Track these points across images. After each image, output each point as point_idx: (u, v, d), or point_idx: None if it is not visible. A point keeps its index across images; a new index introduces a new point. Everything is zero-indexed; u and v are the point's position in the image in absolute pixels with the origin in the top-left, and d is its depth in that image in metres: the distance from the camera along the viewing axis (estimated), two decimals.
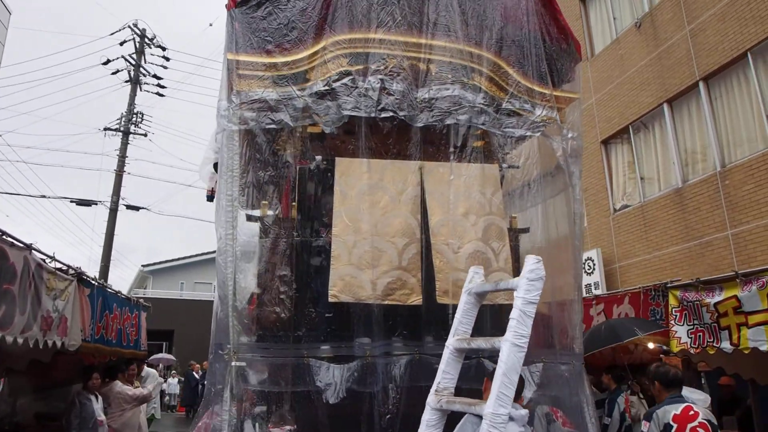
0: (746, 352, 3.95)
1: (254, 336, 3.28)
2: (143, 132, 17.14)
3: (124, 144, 16.51)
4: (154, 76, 17.65)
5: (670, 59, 9.19)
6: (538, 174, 3.99)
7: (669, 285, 5.00)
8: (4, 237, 3.31)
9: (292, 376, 3.07)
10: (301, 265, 3.49)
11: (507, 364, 2.12)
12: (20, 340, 3.42)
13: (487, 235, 3.54)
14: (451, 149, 3.70)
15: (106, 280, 14.69)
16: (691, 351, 4.50)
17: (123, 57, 16.95)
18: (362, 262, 3.31)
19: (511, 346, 2.14)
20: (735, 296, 4.03)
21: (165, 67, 17.86)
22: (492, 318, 3.37)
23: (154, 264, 26.39)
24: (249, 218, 3.57)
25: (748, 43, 7.78)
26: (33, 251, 3.64)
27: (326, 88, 3.44)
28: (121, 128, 16.67)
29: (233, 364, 2.96)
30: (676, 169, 9.02)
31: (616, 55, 10.56)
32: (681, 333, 4.58)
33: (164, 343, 21.24)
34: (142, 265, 26.38)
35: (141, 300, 7.54)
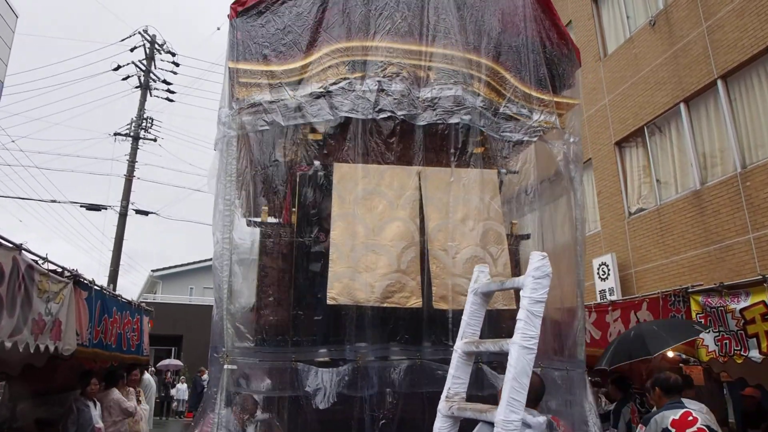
0: None
1: (249, 340, 3.37)
2: (153, 137, 17.53)
3: (134, 149, 16.90)
4: (164, 81, 18.05)
5: (686, 57, 9.15)
6: (539, 180, 4.05)
7: (690, 290, 4.90)
8: None
9: (288, 381, 3.16)
10: (299, 270, 3.60)
11: (516, 367, 2.06)
12: (8, 344, 3.32)
13: (485, 240, 3.62)
14: (451, 152, 3.76)
15: (115, 285, 15.08)
16: (720, 360, 4.31)
17: (133, 63, 17.42)
18: (360, 266, 3.41)
19: (519, 349, 2.08)
20: (763, 302, 3.89)
21: (175, 73, 18.27)
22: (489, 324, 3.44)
23: (164, 269, 26.87)
24: (249, 223, 3.70)
25: None
26: (23, 251, 3.54)
27: (321, 90, 3.56)
28: (131, 133, 17.07)
29: (226, 367, 3.06)
30: (693, 171, 8.96)
31: (629, 55, 10.53)
32: (708, 341, 4.41)
33: (173, 349, 21.58)
34: (152, 271, 26.90)
35: (143, 304, 7.49)
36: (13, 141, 34.05)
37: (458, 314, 3.42)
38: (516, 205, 4.10)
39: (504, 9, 3.78)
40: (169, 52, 18.00)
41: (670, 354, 4.97)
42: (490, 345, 2.39)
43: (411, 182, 3.69)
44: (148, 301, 19.33)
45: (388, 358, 3.35)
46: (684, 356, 5.08)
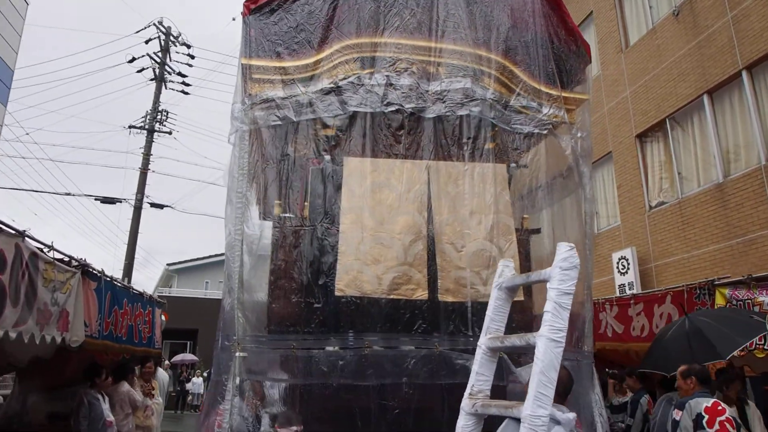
0: None
1: (260, 329, 3.54)
2: (168, 130, 17.89)
3: (149, 142, 17.28)
4: (179, 73, 18.40)
5: (710, 48, 9.08)
6: (551, 176, 4.15)
7: (716, 282, 4.90)
8: None
9: (300, 369, 3.34)
10: (309, 261, 3.77)
11: (544, 361, 2.02)
12: (13, 334, 3.23)
13: (492, 233, 3.75)
14: (464, 141, 3.88)
15: (130, 278, 15.51)
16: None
17: (148, 55, 17.77)
18: (368, 258, 3.57)
19: (547, 342, 2.04)
20: None
21: (190, 65, 18.61)
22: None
23: (179, 263, 27.43)
24: (261, 216, 3.89)
25: None
26: (26, 239, 3.45)
27: (332, 85, 3.73)
28: (146, 126, 17.45)
29: (237, 354, 3.23)
30: (716, 164, 8.92)
31: (652, 45, 10.47)
32: None
33: (188, 342, 22.07)
34: (167, 264, 27.47)
35: (155, 296, 7.44)
36: (27, 133, 35.01)
37: (459, 306, 3.58)
38: (528, 200, 4.21)
39: (513, 5, 3.89)
40: (184, 44, 18.34)
41: None
42: (516, 340, 2.34)
43: (420, 176, 3.83)
44: (164, 294, 19.81)
45: (399, 347, 3.51)
46: None
